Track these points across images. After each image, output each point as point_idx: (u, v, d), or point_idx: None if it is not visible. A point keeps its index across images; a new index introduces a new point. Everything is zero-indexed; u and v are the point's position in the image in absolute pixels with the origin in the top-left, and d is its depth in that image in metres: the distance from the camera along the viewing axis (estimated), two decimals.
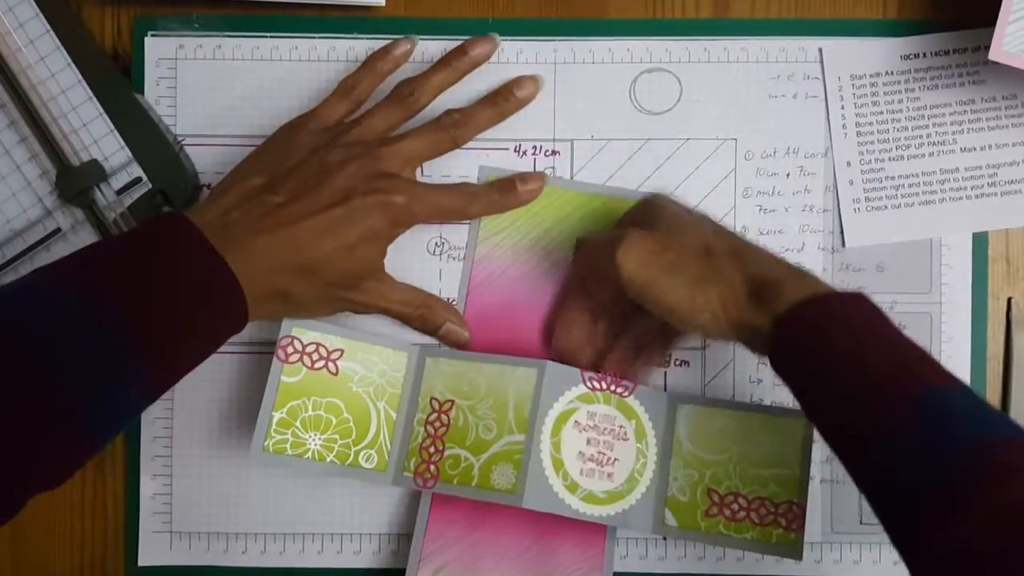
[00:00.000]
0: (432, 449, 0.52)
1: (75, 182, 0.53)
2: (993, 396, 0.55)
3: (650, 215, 0.50)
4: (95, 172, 0.53)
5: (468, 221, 0.56)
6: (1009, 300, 0.56)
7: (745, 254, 0.48)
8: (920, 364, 0.42)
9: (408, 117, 0.53)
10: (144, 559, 0.56)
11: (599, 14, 0.56)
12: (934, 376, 0.41)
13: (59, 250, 0.54)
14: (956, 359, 0.55)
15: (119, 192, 0.53)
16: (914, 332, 0.55)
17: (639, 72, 0.56)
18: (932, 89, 0.55)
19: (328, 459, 0.52)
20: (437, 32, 0.55)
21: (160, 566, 0.56)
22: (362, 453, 0.52)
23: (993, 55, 0.50)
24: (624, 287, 0.47)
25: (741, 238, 0.50)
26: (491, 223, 0.55)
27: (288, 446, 0.51)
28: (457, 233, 0.56)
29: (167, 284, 0.43)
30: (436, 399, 0.53)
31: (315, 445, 0.52)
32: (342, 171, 0.49)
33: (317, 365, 0.52)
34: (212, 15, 0.56)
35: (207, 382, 0.55)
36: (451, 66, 0.53)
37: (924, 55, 0.55)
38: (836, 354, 0.43)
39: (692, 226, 0.49)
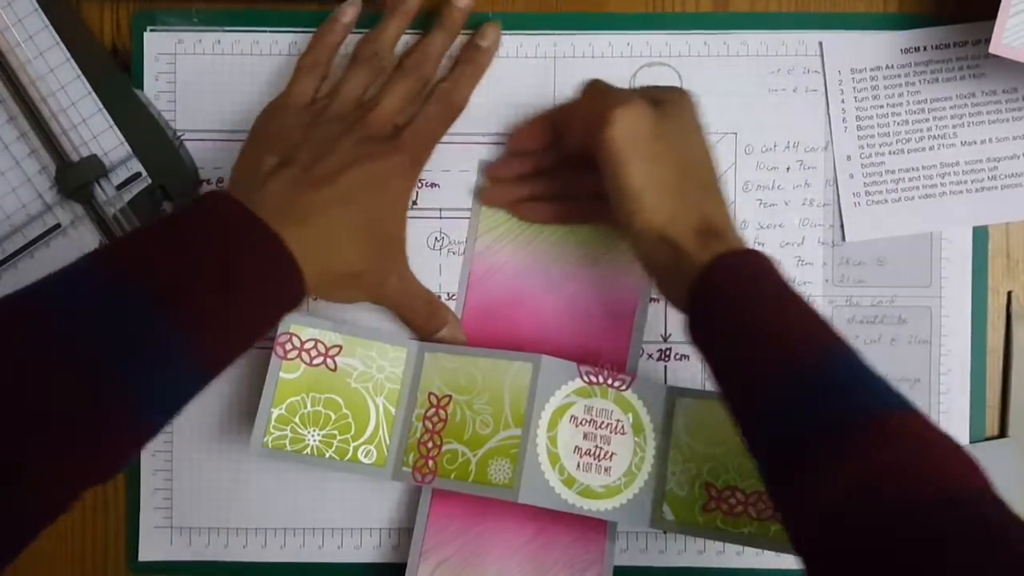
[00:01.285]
0: (430, 444, 0.52)
1: (75, 177, 0.53)
2: (993, 390, 0.55)
3: (668, 101, 0.49)
4: (95, 167, 0.53)
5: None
6: (1009, 294, 0.56)
7: (712, 195, 0.48)
8: (822, 327, 0.43)
9: (379, 75, 0.52)
10: (145, 554, 0.56)
11: (599, 8, 0.56)
12: (835, 340, 0.42)
13: (59, 245, 0.54)
14: (956, 353, 0.55)
15: (119, 187, 0.53)
16: (914, 326, 0.55)
17: (639, 66, 0.56)
18: (932, 83, 0.55)
19: (327, 455, 0.52)
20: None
21: (161, 561, 0.56)
22: (361, 449, 0.52)
23: (994, 48, 0.50)
24: (600, 140, 0.47)
25: (718, 180, 0.49)
26: (492, 217, 0.55)
27: (287, 442, 0.51)
28: (457, 228, 0.56)
29: (219, 264, 0.42)
30: (434, 394, 0.53)
31: (314, 441, 0.52)
32: (339, 147, 0.48)
33: (316, 361, 0.52)
34: (211, 10, 0.56)
35: None
36: (399, 11, 0.53)
37: (924, 48, 0.55)
38: (757, 310, 0.43)
39: (692, 139, 0.49)
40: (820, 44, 0.55)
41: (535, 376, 0.51)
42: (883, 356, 0.55)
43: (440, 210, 0.56)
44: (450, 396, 0.53)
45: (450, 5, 0.53)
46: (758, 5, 0.56)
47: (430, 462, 0.52)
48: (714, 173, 0.49)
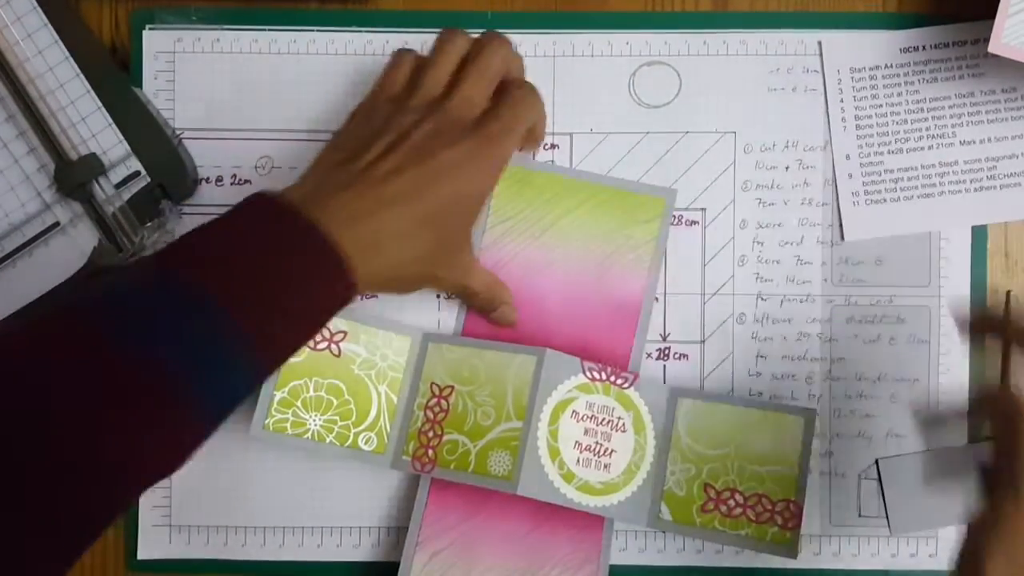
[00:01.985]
0: (431, 434, 0.52)
1: (74, 176, 0.53)
2: None
3: None
4: (94, 166, 0.53)
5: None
6: (1008, 293, 0.56)
7: None
8: None
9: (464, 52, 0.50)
10: (143, 552, 0.56)
11: (598, 7, 0.56)
12: None
13: (58, 244, 0.54)
14: (954, 353, 0.55)
15: (118, 186, 0.53)
16: (913, 325, 0.56)
17: (638, 65, 0.56)
18: (931, 82, 0.55)
19: (328, 440, 0.52)
20: (436, 25, 0.55)
21: (160, 559, 0.56)
22: (362, 435, 0.53)
23: (993, 48, 0.50)
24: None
25: None
26: (500, 210, 0.55)
27: (288, 425, 0.52)
28: None
29: (268, 260, 0.41)
30: (436, 384, 0.53)
31: (315, 425, 0.52)
32: (410, 138, 0.47)
33: (320, 346, 0.52)
34: (210, 8, 0.56)
35: None
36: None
37: (923, 48, 0.55)
38: None
39: None
40: (819, 43, 0.55)
41: (538, 370, 0.51)
42: (882, 356, 0.55)
43: None
44: (452, 386, 0.53)
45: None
46: (757, 4, 0.56)
47: (430, 451, 0.52)
48: None
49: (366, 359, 0.53)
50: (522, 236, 0.56)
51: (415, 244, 0.46)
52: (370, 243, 0.44)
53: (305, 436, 0.52)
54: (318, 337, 0.53)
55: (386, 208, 0.45)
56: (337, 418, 0.52)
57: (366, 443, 0.53)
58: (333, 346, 0.53)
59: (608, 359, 0.54)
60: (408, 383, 0.54)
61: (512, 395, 0.52)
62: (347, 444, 0.52)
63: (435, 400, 0.53)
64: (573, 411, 0.52)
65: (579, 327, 0.55)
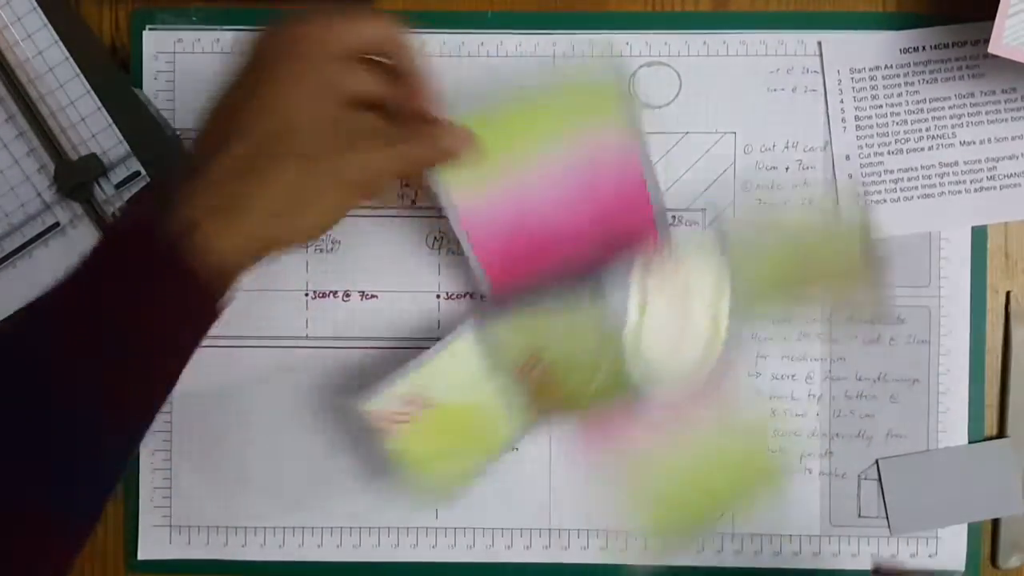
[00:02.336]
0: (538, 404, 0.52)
1: (74, 176, 0.53)
2: (992, 390, 0.56)
3: None
4: (94, 166, 0.53)
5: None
6: (1008, 294, 0.56)
7: None
8: None
9: None
10: (144, 553, 0.56)
11: (598, 8, 0.56)
12: None
13: (58, 245, 0.54)
14: (955, 353, 0.55)
15: (118, 186, 0.53)
16: (913, 325, 0.56)
17: (638, 66, 0.56)
18: (931, 83, 0.55)
19: (477, 465, 0.53)
20: (436, 26, 0.55)
21: (160, 560, 0.56)
22: (498, 441, 0.52)
23: (993, 48, 0.50)
24: None
25: None
26: (455, 174, 0.50)
27: (443, 483, 0.52)
28: None
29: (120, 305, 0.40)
30: (518, 358, 0.51)
31: (458, 466, 0.52)
32: None
33: (412, 415, 0.51)
34: (210, 9, 0.56)
35: (204, 375, 0.55)
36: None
37: (923, 48, 0.55)
38: None
39: None
40: (819, 44, 0.55)
41: (598, 299, 0.50)
42: (882, 356, 0.55)
43: (440, 210, 0.56)
44: (536, 357, 0.51)
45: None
46: (757, 4, 0.56)
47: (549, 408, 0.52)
48: None
49: (448, 387, 0.51)
50: (495, 178, 0.50)
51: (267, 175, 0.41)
52: (215, 195, 0.41)
53: (461, 482, 0.53)
54: (403, 411, 0.51)
55: (212, 156, 0.42)
56: (467, 446, 0.52)
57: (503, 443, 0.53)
58: (416, 405, 0.51)
59: (635, 238, 0.51)
60: (491, 370, 0.51)
61: (595, 334, 0.50)
62: (495, 455, 0.53)
63: (524, 369, 0.51)
64: (649, 310, 0.50)
65: (594, 221, 0.51)
